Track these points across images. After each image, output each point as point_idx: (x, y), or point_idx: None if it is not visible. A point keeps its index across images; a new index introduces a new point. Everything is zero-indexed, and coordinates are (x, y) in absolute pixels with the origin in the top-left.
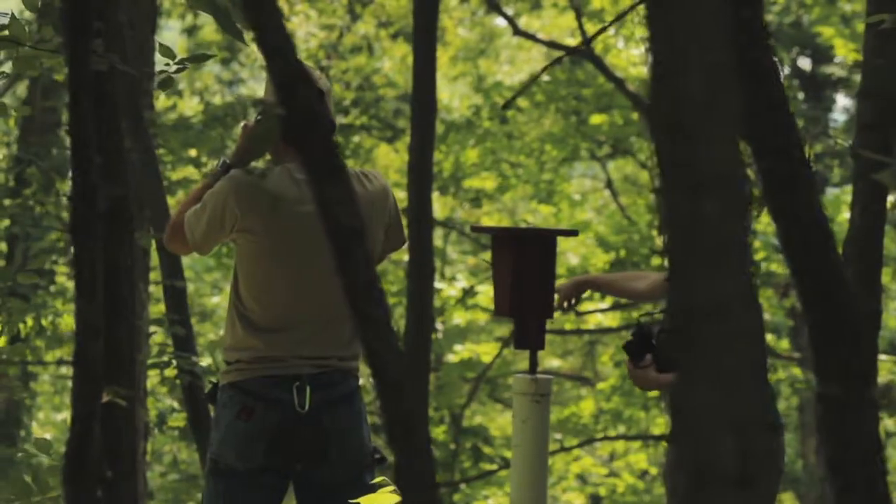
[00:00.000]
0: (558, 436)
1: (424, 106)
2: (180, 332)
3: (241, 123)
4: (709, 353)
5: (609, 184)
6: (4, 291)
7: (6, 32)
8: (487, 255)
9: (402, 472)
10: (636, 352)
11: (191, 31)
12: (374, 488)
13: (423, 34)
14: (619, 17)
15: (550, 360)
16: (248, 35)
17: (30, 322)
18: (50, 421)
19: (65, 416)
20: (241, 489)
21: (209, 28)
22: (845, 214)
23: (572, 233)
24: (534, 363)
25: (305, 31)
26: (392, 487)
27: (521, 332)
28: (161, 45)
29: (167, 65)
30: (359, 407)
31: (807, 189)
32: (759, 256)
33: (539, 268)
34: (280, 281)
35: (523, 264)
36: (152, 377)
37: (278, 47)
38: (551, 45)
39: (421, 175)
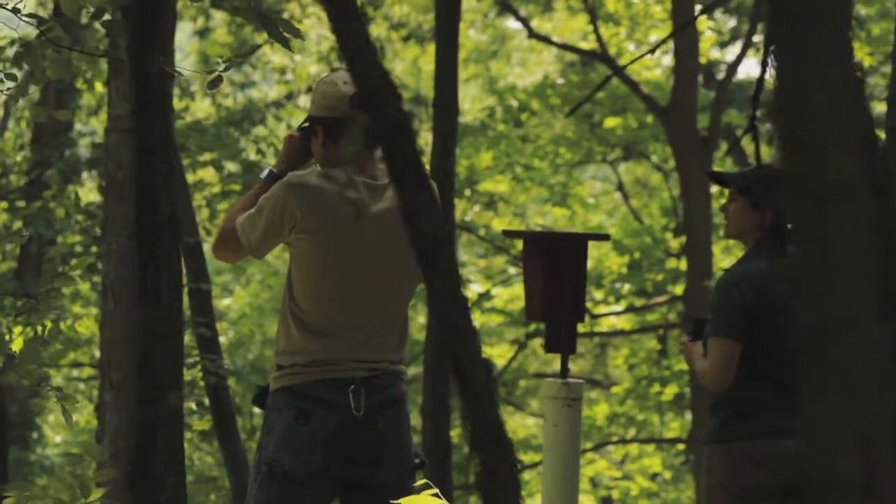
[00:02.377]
0: None
1: (446, 108)
2: (206, 334)
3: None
4: (838, 366)
5: (620, 186)
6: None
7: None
8: (500, 260)
9: (488, 480)
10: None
11: (203, 33)
12: (417, 491)
13: (445, 36)
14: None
15: (559, 363)
16: (292, 41)
17: (49, 324)
18: (60, 423)
19: (76, 418)
20: (296, 494)
21: (221, 31)
22: None
23: (604, 237)
24: (565, 367)
25: (317, 33)
26: (435, 490)
27: (552, 336)
28: (210, 44)
29: (218, 62)
30: (407, 411)
31: (888, 195)
32: None
33: (570, 272)
34: (338, 282)
35: (555, 268)
36: None
37: (362, 55)
38: (565, 47)
39: (443, 177)
